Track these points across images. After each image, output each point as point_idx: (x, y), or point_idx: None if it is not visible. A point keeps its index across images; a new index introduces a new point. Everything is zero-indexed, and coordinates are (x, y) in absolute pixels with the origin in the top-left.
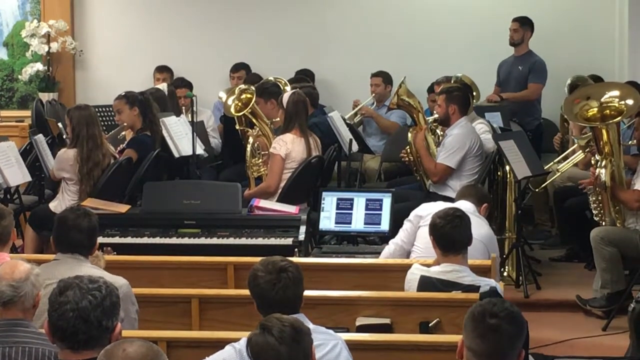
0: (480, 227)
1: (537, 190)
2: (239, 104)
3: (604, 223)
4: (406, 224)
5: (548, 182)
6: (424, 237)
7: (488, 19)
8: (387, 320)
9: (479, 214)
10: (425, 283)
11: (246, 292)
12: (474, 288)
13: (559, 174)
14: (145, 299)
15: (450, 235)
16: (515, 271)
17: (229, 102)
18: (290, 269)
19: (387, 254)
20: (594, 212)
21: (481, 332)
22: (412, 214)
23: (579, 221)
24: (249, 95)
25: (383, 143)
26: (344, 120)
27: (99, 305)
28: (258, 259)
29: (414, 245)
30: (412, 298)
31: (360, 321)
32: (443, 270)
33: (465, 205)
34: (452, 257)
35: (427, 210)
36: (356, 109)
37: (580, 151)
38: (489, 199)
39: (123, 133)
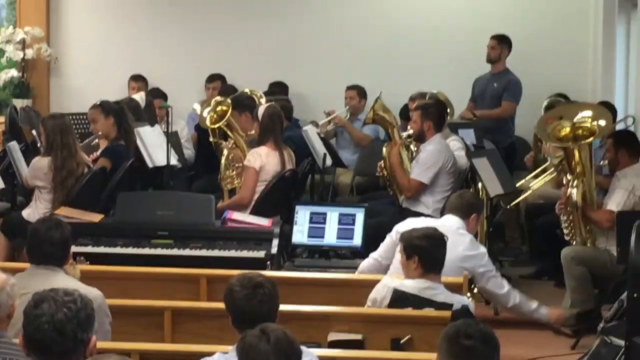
0: (457, 246)
1: (508, 207)
2: (214, 115)
3: (574, 242)
4: (387, 239)
5: (520, 199)
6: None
7: (464, 36)
8: (359, 336)
9: (465, 230)
10: (399, 297)
11: (219, 305)
12: (446, 306)
13: (530, 191)
14: (118, 310)
15: (439, 256)
16: None
17: (204, 114)
18: (266, 284)
19: (364, 268)
20: (565, 231)
21: (455, 352)
22: (394, 230)
23: (549, 239)
24: (224, 108)
25: (356, 156)
26: (319, 134)
27: (75, 317)
28: (231, 271)
29: (393, 262)
30: (383, 314)
31: (332, 336)
32: (418, 287)
33: (451, 222)
34: (432, 276)
35: (410, 227)
36: (329, 118)
37: (552, 169)
38: (477, 207)
39: (96, 141)
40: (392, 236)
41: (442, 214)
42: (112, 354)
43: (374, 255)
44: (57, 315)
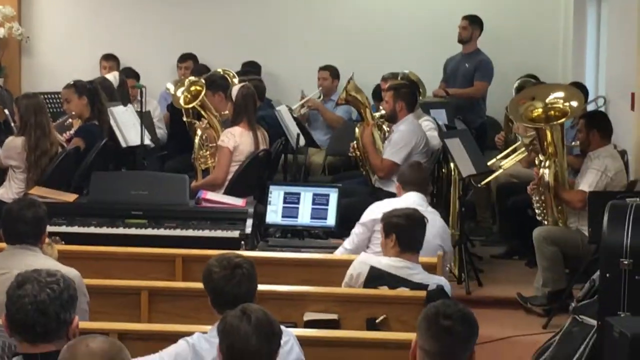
0: (433, 224)
1: (479, 185)
2: (188, 95)
3: (546, 222)
4: (359, 228)
5: (492, 177)
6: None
7: (436, 17)
8: (334, 316)
9: (428, 205)
10: (375, 274)
11: (195, 285)
12: (422, 286)
13: (501, 170)
14: (95, 289)
15: (416, 236)
16: (458, 267)
17: (178, 93)
18: (245, 265)
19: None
20: (536, 211)
21: (434, 332)
22: (367, 218)
23: (521, 219)
24: (198, 88)
25: (328, 137)
26: (292, 114)
27: (57, 298)
28: (207, 251)
29: (370, 248)
30: (359, 294)
31: (308, 316)
32: (395, 265)
33: (418, 201)
34: (409, 255)
35: (381, 212)
36: (302, 101)
37: (523, 149)
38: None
39: (70, 120)
40: (366, 224)
41: None
42: (96, 335)
43: (347, 246)
44: (40, 296)
